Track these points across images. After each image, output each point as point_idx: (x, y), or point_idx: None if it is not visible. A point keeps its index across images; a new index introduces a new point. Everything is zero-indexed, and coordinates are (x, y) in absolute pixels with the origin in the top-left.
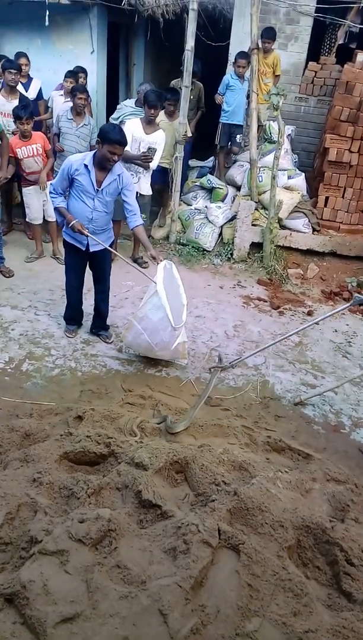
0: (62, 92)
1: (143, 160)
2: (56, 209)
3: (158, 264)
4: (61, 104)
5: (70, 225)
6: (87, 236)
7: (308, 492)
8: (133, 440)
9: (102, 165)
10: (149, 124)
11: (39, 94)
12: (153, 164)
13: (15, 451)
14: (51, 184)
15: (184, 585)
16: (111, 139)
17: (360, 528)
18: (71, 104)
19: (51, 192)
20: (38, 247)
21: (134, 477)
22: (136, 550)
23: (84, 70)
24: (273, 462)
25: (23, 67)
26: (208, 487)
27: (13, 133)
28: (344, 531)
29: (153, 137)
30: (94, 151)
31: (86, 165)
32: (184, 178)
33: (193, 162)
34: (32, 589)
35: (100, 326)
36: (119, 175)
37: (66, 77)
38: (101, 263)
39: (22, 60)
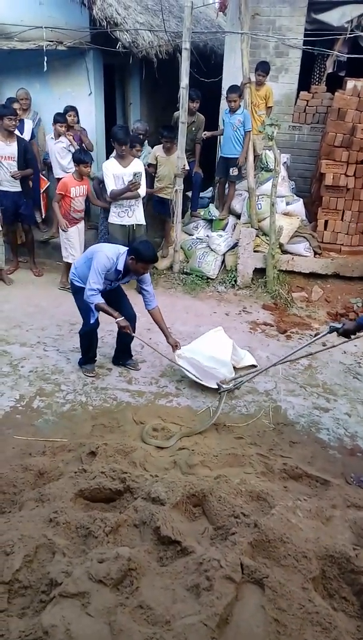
0: (52, 135)
1: (132, 188)
2: (96, 306)
3: (175, 350)
4: (52, 146)
5: (122, 326)
6: (133, 336)
7: (328, 520)
8: (148, 474)
9: (130, 273)
10: (122, 158)
11: (32, 134)
12: (142, 191)
13: (30, 491)
14: (94, 282)
15: (209, 624)
16: (147, 260)
17: None
18: (62, 144)
19: (92, 289)
20: (63, 279)
21: (151, 513)
22: (158, 589)
23: (73, 109)
24: (291, 490)
25: (19, 112)
26: (227, 520)
27: (13, 177)
28: None
29: (131, 168)
30: (124, 255)
31: (119, 271)
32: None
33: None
34: (54, 634)
35: (128, 355)
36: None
37: (56, 121)
38: (121, 289)
39: (16, 105)
